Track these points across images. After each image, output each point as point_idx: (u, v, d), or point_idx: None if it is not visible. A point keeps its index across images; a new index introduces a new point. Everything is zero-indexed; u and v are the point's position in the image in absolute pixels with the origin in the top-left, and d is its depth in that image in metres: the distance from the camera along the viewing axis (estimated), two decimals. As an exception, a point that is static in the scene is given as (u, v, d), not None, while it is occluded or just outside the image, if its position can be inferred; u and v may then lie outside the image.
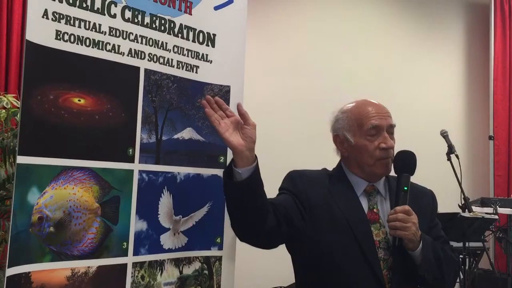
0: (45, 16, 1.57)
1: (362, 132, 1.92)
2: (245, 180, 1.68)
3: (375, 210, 1.91)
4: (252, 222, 1.75)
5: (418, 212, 1.88)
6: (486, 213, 4.37)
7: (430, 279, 1.83)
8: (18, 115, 2.99)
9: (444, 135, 3.83)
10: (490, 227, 4.52)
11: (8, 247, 1.47)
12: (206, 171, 1.97)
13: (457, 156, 3.73)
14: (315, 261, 1.89)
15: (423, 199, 2.00)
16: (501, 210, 4.82)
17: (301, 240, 1.89)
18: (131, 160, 1.78)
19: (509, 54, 6.00)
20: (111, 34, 1.73)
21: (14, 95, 3.25)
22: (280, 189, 1.98)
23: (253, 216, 1.74)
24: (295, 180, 1.95)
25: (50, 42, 1.58)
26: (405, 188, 1.86)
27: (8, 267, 1.47)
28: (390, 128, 1.93)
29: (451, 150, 3.76)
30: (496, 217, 4.22)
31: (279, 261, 4.49)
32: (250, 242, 1.83)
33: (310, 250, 1.90)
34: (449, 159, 3.74)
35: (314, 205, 1.89)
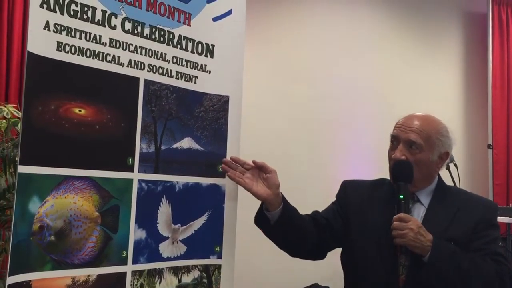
0: (46, 28, 1.60)
1: (390, 140, 2.03)
2: (278, 221, 1.92)
3: None
4: (295, 246, 2.03)
5: (457, 222, 1.93)
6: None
7: (439, 284, 1.84)
8: (19, 125, 3.04)
9: (442, 144, 3.84)
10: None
11: (9, 256, 1.49)
12: (205, 180, 1.98)
13: (455, 165, 3.75)
14: (348, 265, 2.07)
15: (471, 210, 1.99)
16: (500, 219, 4.82)
17: (342, 243, 2.09)
18: (130, 169, 1.80)
19: (507, 63, 6.02)
20: (111, 45, 1.75)
21: (14, 105, 3.28)
22: (335, 196, 2.19)
23: (294, 242, 2.01)
24: (342, 189, 2.16)
25: (51, 53, 1.60)
26: (401, 196, 1.89)
27: (9, 276, 1.48)
28: (409, 143, 1.95)
29: (450, 159, 3.77)
30: (495, 225, 4.23)
31: (278, 269, 4.50)
32: (300, 257, 2.10)
33: (346, 255, 2.08)
34: (447, 168, 3.76)
35: (352, 211, 2.05)
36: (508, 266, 1.92)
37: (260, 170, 1.94)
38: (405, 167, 1.94)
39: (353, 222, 2.04)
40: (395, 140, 1.99)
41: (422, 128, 1.96)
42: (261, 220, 1.97)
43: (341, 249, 2.14)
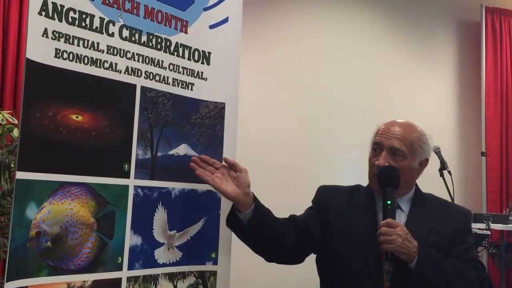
0: (45, 35, 1.61)
1: (371, 147, 2.03)
2: (250, 222, 1.85)
3: None
4: (270, 249, 1.96)
5: (438, 229, 1.93)
6: (479, 229, 4.40)
7: None
8: (14, 131, 3.03)
9: (437, 151, 3.86)
10: (483, 242, 4.55)
11: (7, 262, 1.49)
12: (201, 187, 1.99)
13: (449, 172, 3.77)
14: (329, 271, 2.02)
15: (450, 217, 2.02)
16: (494, 226, 4.85)
17: (321, 250, 2.04)
18: (126, 175, 1.80)
19: (501, 72, 6.07)
20: (109, 52, 1.77)
21: (9, 111, 3.28)
22: (311, 202, 2.14)
23: (269, 244, 1.94)
24: (319, 194, 2.13)
25: (50, 60, 1.62)
26: (388, 202, 1.90)
27: (7, 281, 1.49)
28: (392, 150, 1.96)
29: (443, 166, 3.79)
30: (488, 232, 4.25)
31: (274, 276, 4.50)
32: (276, 262, 2.03)
33: (326, 260, 2.03)
34: (441, 175, 3.77)
35: (332, 218, 2.02)
36: (486, 272, 1.99)
37: (230, 168, 1.89)
38: (393, 173, 1.95)
39: (334, 229, 2.01)
40: (378, 147, 1.99)
41: (405, 135, 1.98)
42: (233, 222, 1.89)
43: (315, 255, 2.10)
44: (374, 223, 1.95)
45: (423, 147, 2.01)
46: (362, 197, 2.06)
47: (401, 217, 1.97)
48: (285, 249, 1.95)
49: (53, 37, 1.63)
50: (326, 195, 2.10)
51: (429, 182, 4.00)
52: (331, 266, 2.00)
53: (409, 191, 2.04)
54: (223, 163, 1.93)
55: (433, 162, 3.85)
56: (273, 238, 1.92)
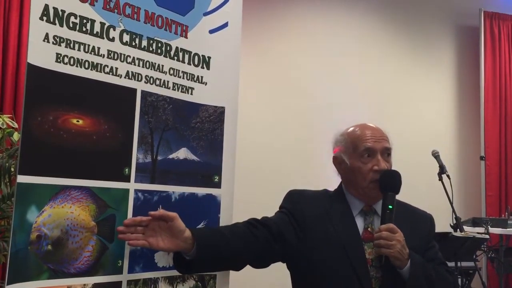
0: (46, 40, 1.62)
1: (356, 154, 1.97)
2: (197, 258, 1.77)
3: (369, 229, 1.95)
4: (233, 266, 1.93)
5: (414, 234, 1.94)
6: (478, 233, 4.40)
7: None
8: (14, 135, 3.04)
9: (436, 155, 3.88)
10: (482, 246, 4.55)
11: (8, 265, 1.50)
12: (201, 190, 2.00)
13: (448, 176, 3.78)
14: (308, 278, 1.95)
15: (420, 222, 2.06)
16: (493, 230, 4.85)
17: (295, 257, 1.96)
18: (127, 179, 1.81)
19: (499, 76, 6.09)
20: (109, 57, 1.78)
21: (9, 115, 3.29)
22: (280, 207, 2.05)
23: (230, 264, 1.92)
24: (293, 199, 2.03)
25: (51, 64, 1.63)
26: (390, 206, 1.90)
27: (7, 285, 1.50)
28: (385, 151, 1.97)
29: (442, 170, 3.80)
30: (487, 236, 4.25)
31: (272, 279, 4.50)
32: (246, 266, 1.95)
33: (303, 268, 1.96)
34: (440, 179, 3.78)
35: (310, 224, 1.96)
36: (454, 275, 2.09)
37: (162, 220, 1.76)
38: (395, 178, 1.95)
39: (312, 236, 1.94)
40: (371, 152, 1.97)
41: (385, 134, 2.02)
42: (180, 263, 1.81)
43: (286, 263, 2.03)
44: (355, 230, 1.95)
45: None
46: (337, 203, 2.02)
47: (378, 223, 1.95)
48: (248, 261, 1.90)
49: (54, 42, 1.64)
50: (299, 201, 2.01)
51: (428, 186, 4.03)
52: (312, 275, 1.94)
53: None
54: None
55: (432, 166, 3.88)
56: (230, 260, 1.87)
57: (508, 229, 4.96)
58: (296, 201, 2.02)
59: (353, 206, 2.00)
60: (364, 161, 1.96)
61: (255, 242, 1.87)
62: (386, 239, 1.84)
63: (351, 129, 2.06)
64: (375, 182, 1.94)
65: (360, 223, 1.96)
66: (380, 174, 1.94)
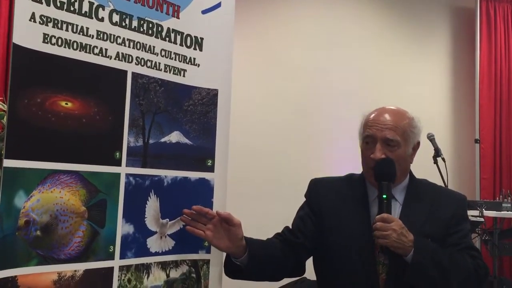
0: (32, 19, 1.57)
1: (362, 139, 1.96)
2: (248, 266, 1.87)
3: None
4: (273, 277, 2.01)
5: (432, 219, 1.91)
6: (472, 216, 4.40)
7: (421, 283, 1.84)
8: (5, 118, 2.99)
9: (431, 138, 3.85)
10: (476, 229, 4.56)
11: (-5, 251, 1.47)
12: (194, 175, 1.97)
13: (443, 159, 3.77)
14: (322, 266, 2.02)
15: (444, 207, 2.00)
16: (487, 213, 4.86)
17: (315, 245, 2.03)
18: (118, 163, 1.78)
19: (495, 59, 6.06)
20: (99, 37, 1.73)
21: (0, 98, 3.24)
22: (304, 196, 2.15)
23: (272, 276, 1.99)
24: (311, 190, 2.12)
25: (38, 45, 1.58)
26: (384, 196, 1.87)
27: (-5, 271, 1.46)
28: (387, 141, 1.92)
29: (437, 153, 3.79)
30: (482, 219, 4.26)
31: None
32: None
33: (319, 256, 2.03)
34: (435, 162, 3.77)
35: (324, 212, 2.01)
36: (482, 260, 1.97)
37: (226, 222, 1.86)
38: (388, 166, 1.92)
39: (327, 223, 2.00)
40: (371, 139, 1.94)
41: (396, 124, 1.94)
42: (231, 267, 1.93)
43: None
44: (367, 216, 1.93)
45: (414, 131, 1.99)
46: (354, 188, 2.03)
47: (395, 207, 1.95)
48: (287, 271, 2.01)
49: (41, 22, 1.59)
50: (317, 190, 2.08)
51: (423, 169, 4.00)
52: (326, 261, 1.99)
53: (404, 179, 2.02)
54: (218, 210, 1.91)
55: (427, 149, 3.86)
56: (274, 269, 1.96)
57: (502, 212, 4.97)
58: (313, 191, 2.09)
59: (370, 191, 1.98)
60: (366, 147, 1.95)
61: (289, 255, 1.98)
62: (380, 230, 1.81)
63: (370, 112, 2.03)
64: (371, 169, 1.92)
65: (374, 209, 1.94)
66: (374, 164, 1.91)
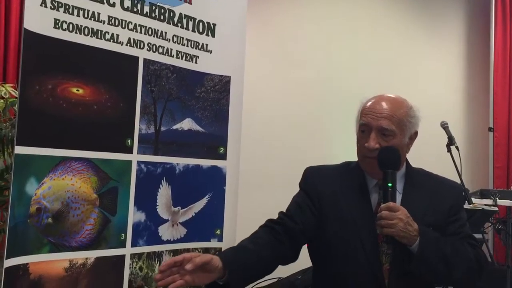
0: (43, 5, 1.55)
1: (358, 127, 1.92)
2: (232, 281, 1.69)
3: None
4: (268, 272, 1.85)
5: (432, 208, 1.88)
6: (486, 205, 4.36)
7: (425, 273, 1.82)
8: (16, 105, 2.99)
9: (444, 126, 3.81)
10: (490, 219, 4.51)
11: (6, 238, 1.46)
12: (206, 162, 1.95)
13: (457, 147, 3.72)
14: (322, 252, 1.95)
15: (443, 196, 1.96)
16: (501, 202, 4.80)
17: (312, 233, 1.93)
18: (129, 150, 1.76)
19: (510, 45, 5.97)
20: (110, 23, 1.71)
21: (12, 84, 3.23)
22: (299, 185, 2.04)
23: (264, 273, 1.84)
24: (307, 177, 2.00)
25: (49, 31, 1.56)
26: (389, 184, 1.84)
27: (6, 259, 1.46)
28: (382, 130, 1.89)
29: (451, 141, 3.74)
30: (496, 209, 4.20)
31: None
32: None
33: (317, 245, 1.94)
34: (449, 150, 3.72)
35: (324, 200, 1.93)
36: (481, 249, 1.94)
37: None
38: (393, 154, 1.88)
39: (327, 213, 1.92)
40: (366, 128, 1.90)
41: (392, 113, 1.90)
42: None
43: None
44: (368, 204, 1.90)
45: (412, 121, 1.94)
46: (353, 177, 1.99)
47: (395, 197, 1.92)
48: (280, 263, 1.88)
49: (52, 7, 1.57)
50: (315, 179, 2.00)
51: (436, 157, 3.97)
52: (326, 250, 1.94)
53: (401, 168, 1.99)
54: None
55: (441, 138, 3.82)
56: (264, 270, 1.84)
57: (516, 201, 4.92)
58: (310, 179, 1.99)
59: (369, 180, 1.95)
60: (362, 135, 1.91)
61: (282, 246, 1.85)
62: (386, 219, 1.79)
63: (368, 99, 1.98)
64: (369, 158, 1.89)
65: (374, 197, 1.91)
66: (379, 151, 1.88)
